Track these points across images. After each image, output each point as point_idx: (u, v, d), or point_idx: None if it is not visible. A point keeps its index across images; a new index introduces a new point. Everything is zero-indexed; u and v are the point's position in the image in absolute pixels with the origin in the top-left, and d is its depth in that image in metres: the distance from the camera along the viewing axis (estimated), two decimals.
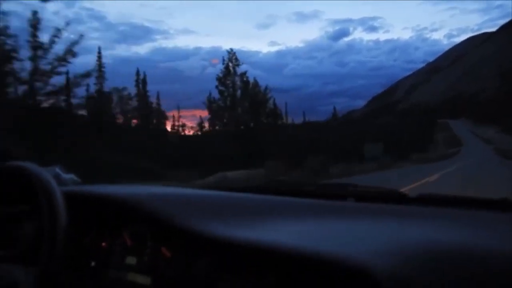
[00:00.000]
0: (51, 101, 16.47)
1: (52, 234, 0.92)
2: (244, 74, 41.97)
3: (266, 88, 42.80)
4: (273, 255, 0.77)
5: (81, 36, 16.15)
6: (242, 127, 41.42)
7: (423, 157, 43.42)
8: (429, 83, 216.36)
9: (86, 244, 1.13)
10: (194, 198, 1.18)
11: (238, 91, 41.41)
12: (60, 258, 0.92)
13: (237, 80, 41.47)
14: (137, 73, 47.50)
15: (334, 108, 74.58)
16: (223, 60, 41.96)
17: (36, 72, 15.18)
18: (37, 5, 16.64)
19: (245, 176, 17.05)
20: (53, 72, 15.53)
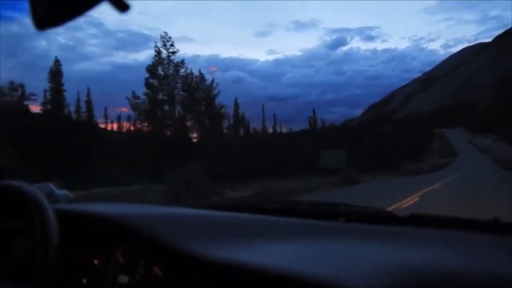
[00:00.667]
0: None
1: (45, 252, 0.92)
2: (182, 63, 32.63)
3: (212, 82, 34.01)
4: (262, 277, 0.77)
5: None
6: (167, 131, 32.72)
7: (414, 167, 39.71)
8: (426, 92, 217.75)
9: (79, 261, 1.13)
10: (187, 218, 1.18)
11: (175, 85, 32.70)
12: (53, 275, 0.92)
13: (172, 70, 32.47)
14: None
15: (314, 112, 64.78)
16: (155, 45, 32.34)
17: None
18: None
19: (141, 191, 14.44)
20: None
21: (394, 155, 45.83)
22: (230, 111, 40.43)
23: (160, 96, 32.67)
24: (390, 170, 33.20)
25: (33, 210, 0.97)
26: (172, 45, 32.67)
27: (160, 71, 32.59)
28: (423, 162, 56.41)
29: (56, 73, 34.19)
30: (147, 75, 32.58)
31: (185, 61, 33.08)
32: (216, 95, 34.66)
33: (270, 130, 55.40)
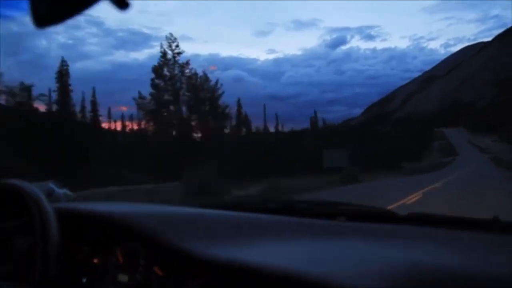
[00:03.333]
0: None
1: (45, 251, 0.92)
2: (187, 64, 33.40)
3: (217, 82, 34.66)
4: (263, 276, 0.78)
5: None
6: (173, 132, 33.37)
7: (415, 167, 39.72)
8: (426, 91, 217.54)
9: (79, 260, 1.13)
10: (188, 217, 1.18)
11: (181, 86, 33.51)
12: (53, 274, 0.92)
13: (178, 71, 33.26)
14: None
15: (315, 113, 66.61)
16: (161, 46, 33.36)
17: None
18: None
19: (154, 190, 14.62)
20: None
21: (394, 154, 45.49)
22: (232, 110, 40.98)
23: (166, 96, 33.27)
24: (390, 169, 33.06)
25: (33, 209, 0.97)
26: (177, 46, 33.36)
27: (165, 71, 33.26)
28: (423, 161, 56.30)
29: (62, 73, 34.89)
30: (151, 74, 33.16)
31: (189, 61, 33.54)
32: (220, 95, 35.29)
33: (272, 129, 55.98)
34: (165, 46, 33.29)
